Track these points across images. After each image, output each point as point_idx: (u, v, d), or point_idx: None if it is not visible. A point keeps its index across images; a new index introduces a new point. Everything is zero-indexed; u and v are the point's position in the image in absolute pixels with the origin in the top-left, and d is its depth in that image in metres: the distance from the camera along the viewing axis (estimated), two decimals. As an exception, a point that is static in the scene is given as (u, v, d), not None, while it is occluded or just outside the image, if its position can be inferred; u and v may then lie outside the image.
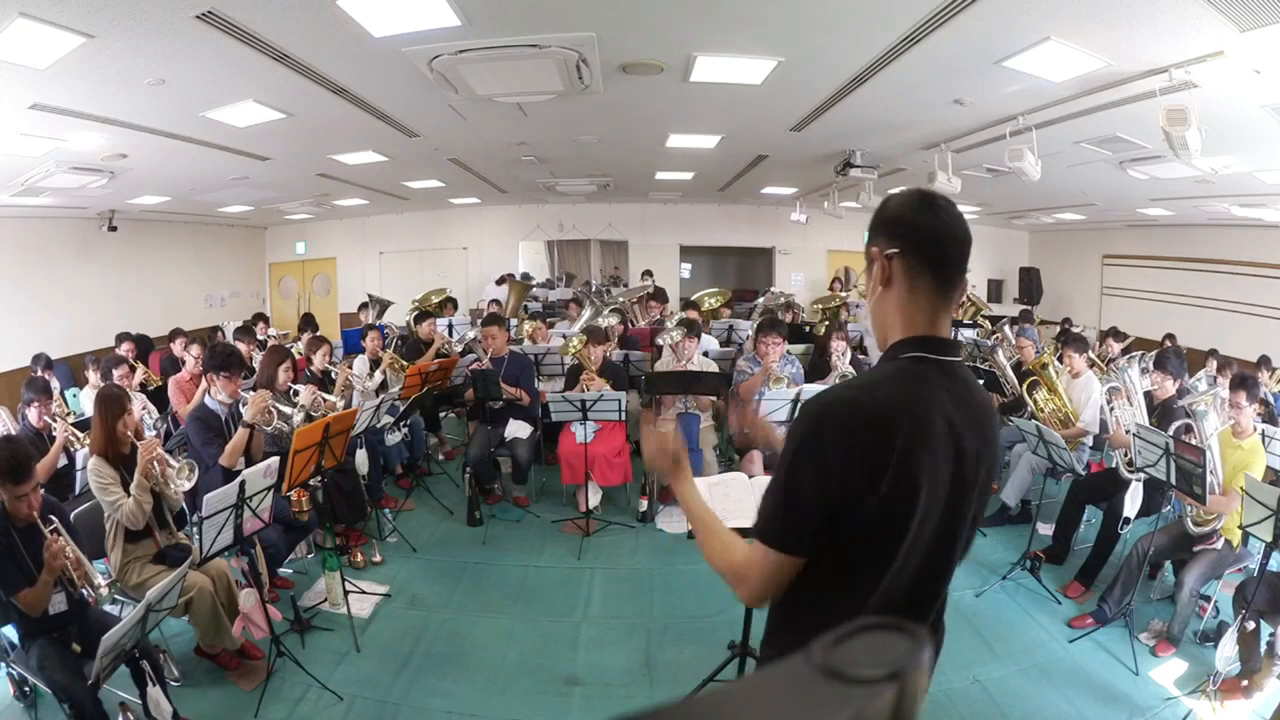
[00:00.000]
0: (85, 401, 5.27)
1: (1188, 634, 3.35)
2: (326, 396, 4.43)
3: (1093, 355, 6.24)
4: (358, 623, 3.43)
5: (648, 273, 10.54)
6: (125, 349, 5.88)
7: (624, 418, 4.58)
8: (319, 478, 3.66)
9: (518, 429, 4.98)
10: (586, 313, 7.40)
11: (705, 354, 5.48)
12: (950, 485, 1.12)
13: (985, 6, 2.94)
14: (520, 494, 5.12)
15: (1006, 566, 4.02)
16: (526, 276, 10.50)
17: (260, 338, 6.95)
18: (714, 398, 5.01)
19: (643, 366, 5.84)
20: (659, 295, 8.41)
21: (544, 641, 3.44)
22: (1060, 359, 4.97)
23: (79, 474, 3.75)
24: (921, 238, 1.14)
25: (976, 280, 10.65)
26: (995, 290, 11.69)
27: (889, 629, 0.38)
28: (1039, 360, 4.94)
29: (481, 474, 4.88)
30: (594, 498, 4.76)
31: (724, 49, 3.74)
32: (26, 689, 2.78)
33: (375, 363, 5.65)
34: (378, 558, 4.20)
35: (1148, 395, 4.16)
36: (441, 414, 6.48)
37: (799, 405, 3.37)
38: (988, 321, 8.27)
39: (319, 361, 5.12)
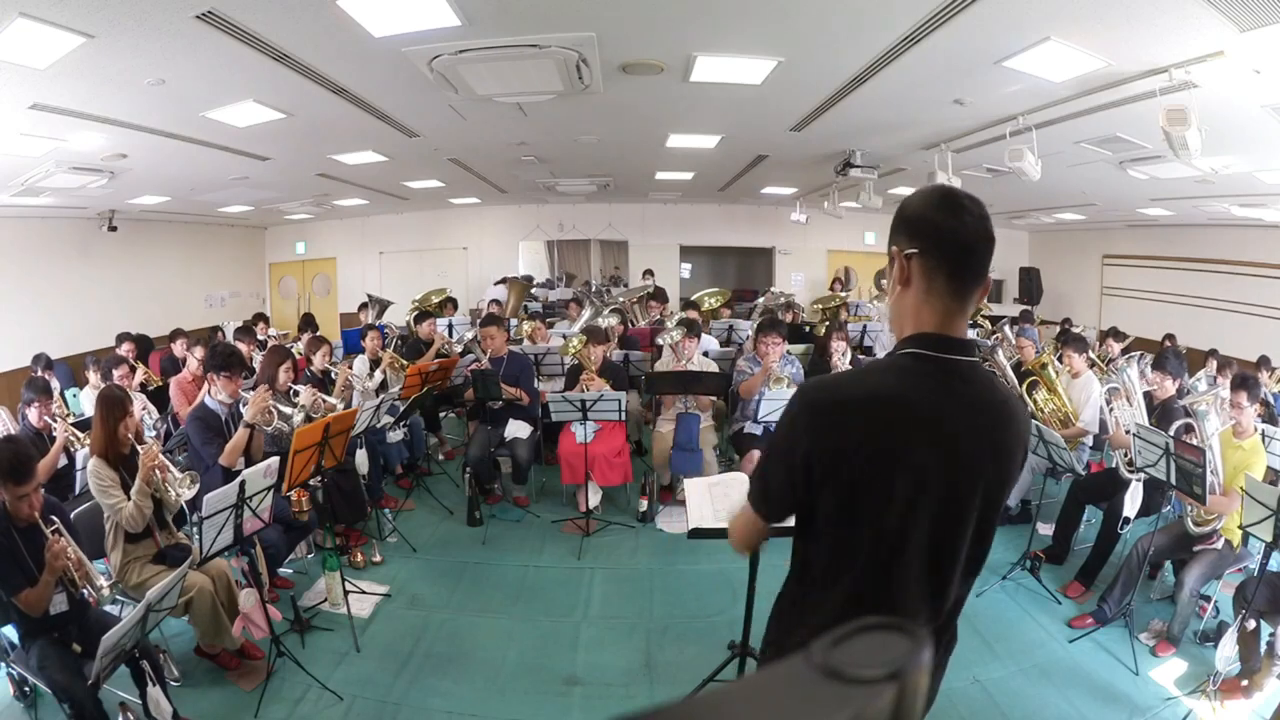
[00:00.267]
0: (85, 402, 5.28)
1: (1188, 634, 3.35)
2: (326, 399, 4.43)
3: (1092, 355, 6.24)
4: (358, 623, 3.43)
5: (649, 272, 10.54)
6: (125, 349, 5.88)
7: (624, 418, 4.58)
8: (319, 478, 3.66)
9: (518, 429, 4.98)
10: (586, 313, 7.40)
11: (705, 354, 5.48)
12: (945, 485, 1.11)
13: (985, 6, 2.94)
14: (520, 494, 5.12)
15: (1006, 566, 4.02)
16: (528, 279, 10.50)
17: (260, 338, 6.95)
18: (714, 398, 5.01)
19: (643, 366, 5.85)
20: (659, 295, 8.42)
21: (544, 641, 3.44)
22: (1060, 359, 4.97)
23: (79, 474, 3.75)
24: (942, 238, 1.13)
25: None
26: (995, 290, 11.69)
27: (889, 629, 0.38)
28: (1039, 360, 4.94)
29: (481, 474, 4.88)
30: (594, 498, 4.76)
31: (724, 49, 3.74)
32: (26, 689, 2.78)
33: (375, 363, 5.65)
34: (378, 558, 4.20)
35: (1147, 395, 4.16)
36: (441, 414, 6.47)
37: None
38: (988, 321, 8.28)
39: (319, 362, 5.12)
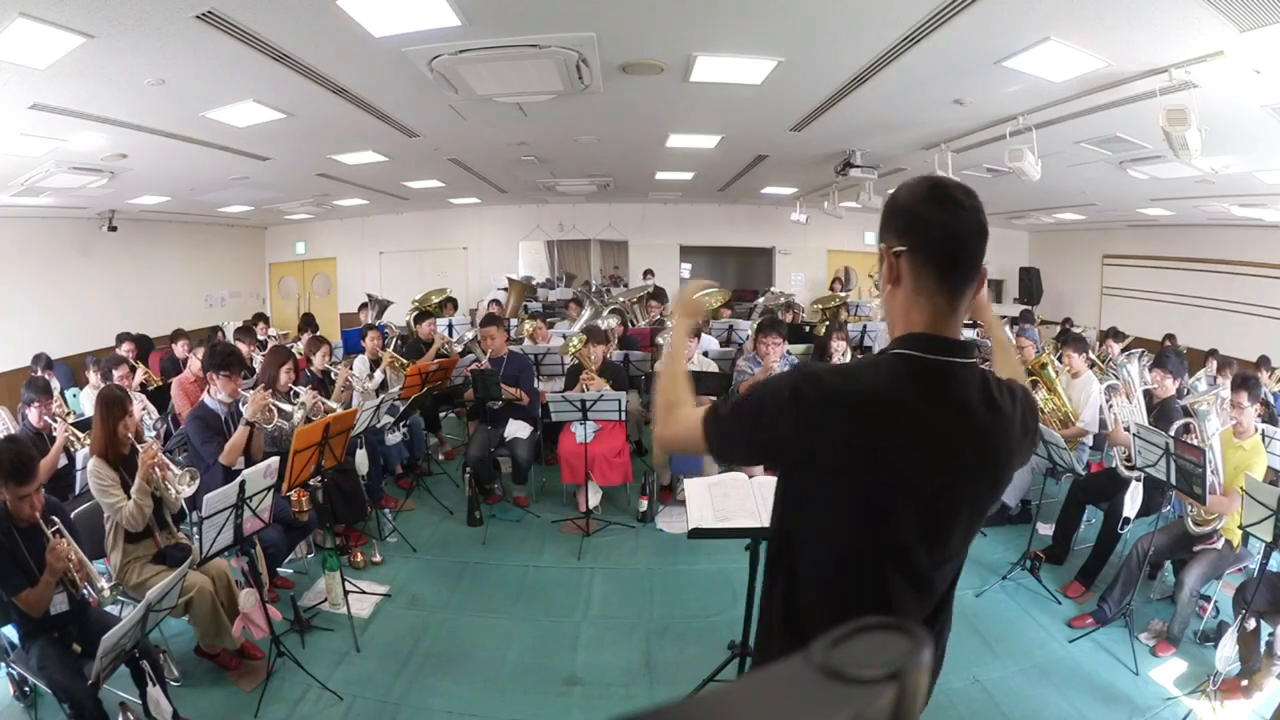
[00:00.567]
0: (85, 402, 5.27)
1: (1188, 634, 3.35)
2: (326, 401, 4.43)
3: (1092, 355, 6.24)
4: (358, 623, 3.43)
5: (649, 271, 10.54)
6: (125, 349, 5.89)
7: (624, 418, 4.58)
8: (319, 478, 3.66)
9: (518, 429, 4.98)
10: (586, 313, 7.40)
11: (705, 354, 5.48)
12: (928, 486, 1.10)
13: (985, 6, 2.94)
14: (520, 494, 5.12)
15: (1006, 566, 4.02)
16: (527, 279, 10.51)
17: (260, 338, 6.95)
18: (714, 398, 5.01)
19: (643, 366, 5.85)
20: (659, 295, 8.41)
21: (544, 641, 3.44)
22: (1060, 359, 4.97)
23: (79, 474, 3.75)
24: (930, 234, 1.09)
25: (977, 280, 10.67)
26: (995, 290, 11.70)
27: (889, 629, 0.38)
28: (1039, 360, 4.94)
29: (481, 474, 4.88)
30: (594, 498, 4.76)
31: (724, 49, 3.74)
32: (26, 689, 2.78)
33: (375, 363, 5.65)
34: (378, 558, 4.20)
35: (1147, 394, 4.16)
36: (441, 414, 6.47)
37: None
38: (988, 321, 8.25)
39: (319, 362, 5.12)
